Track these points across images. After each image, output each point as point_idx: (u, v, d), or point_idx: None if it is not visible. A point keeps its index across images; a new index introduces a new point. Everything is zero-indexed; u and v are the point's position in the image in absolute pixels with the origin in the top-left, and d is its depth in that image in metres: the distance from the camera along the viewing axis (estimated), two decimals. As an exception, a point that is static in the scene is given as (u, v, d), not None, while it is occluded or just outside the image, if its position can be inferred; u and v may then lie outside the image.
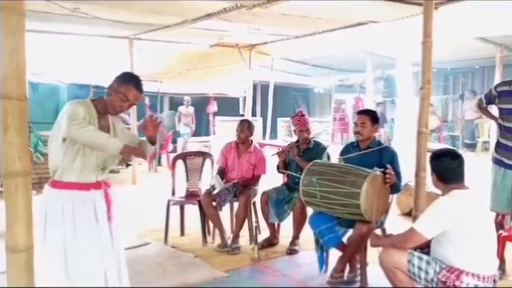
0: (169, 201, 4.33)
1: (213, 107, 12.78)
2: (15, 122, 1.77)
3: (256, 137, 11.76)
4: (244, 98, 9.78)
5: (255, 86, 14.04)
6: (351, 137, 8.40)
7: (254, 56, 9.00)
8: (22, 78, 1.80)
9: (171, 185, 4.52)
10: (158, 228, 4.46)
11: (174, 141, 10.78)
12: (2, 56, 1.77)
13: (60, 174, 2.31)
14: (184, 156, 4.72)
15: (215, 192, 4.10)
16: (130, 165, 8.29)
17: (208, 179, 4.50)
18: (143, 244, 4.19)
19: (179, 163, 4.62)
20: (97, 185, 2.41)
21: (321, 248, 3.48)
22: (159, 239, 4.33)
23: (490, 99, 3.64)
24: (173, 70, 9.07)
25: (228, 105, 12.79)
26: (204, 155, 4.65)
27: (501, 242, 3.12)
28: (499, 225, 3.46)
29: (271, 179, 4.62)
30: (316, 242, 3.49)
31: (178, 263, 3.74)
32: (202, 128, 12.89)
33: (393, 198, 4.77)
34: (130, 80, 2.45)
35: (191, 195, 4.49)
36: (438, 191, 2.71)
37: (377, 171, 3.13)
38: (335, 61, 10.67)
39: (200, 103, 12.96)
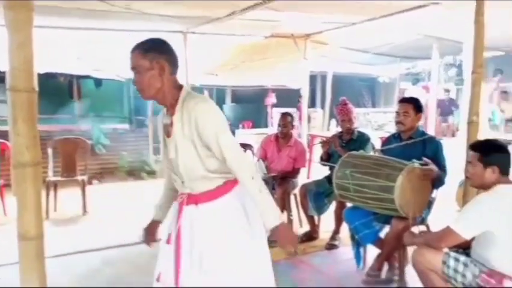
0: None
1: (271, 99, 12.71)
2: (23, 114, 1.83)
3: (315, 129, 11.64)
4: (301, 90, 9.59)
5: (314, 77, 13.79)
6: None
7: (310, 46, 8.79)
8: (30, 71, 1.85)
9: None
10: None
11: (233, 133, 10.91)
12: (10, 50, 1.83)
13: None
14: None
15: None
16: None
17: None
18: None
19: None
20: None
21: (358, 244, 3.31)
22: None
23: None
24: (229, 62, 9.13)
25: (287, 97, 12.67)
26: (245, 146, 4.62)
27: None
28: None
29: (316, 170, 4.48)
30: (352, 237, 3.33)
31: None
32: (261, 120, 12.89)
33: (453, 192, 4.47)
34: None
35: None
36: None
37: (416, 164, 2.88)
38: (399, 48, 10.06)
39: (258, 95, 12.98)
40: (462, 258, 2.33)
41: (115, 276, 3.37)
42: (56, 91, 9.37)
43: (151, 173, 7.91)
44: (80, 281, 3.32)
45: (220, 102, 12.96)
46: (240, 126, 11.73)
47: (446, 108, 10.29)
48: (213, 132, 1.80)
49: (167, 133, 1.94)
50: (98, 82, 9.64)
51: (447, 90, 10.61)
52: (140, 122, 10.24)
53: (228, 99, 13.67)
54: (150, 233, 2.23)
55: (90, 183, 6.19)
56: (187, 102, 1.84)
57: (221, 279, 1.87)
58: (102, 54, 7.69)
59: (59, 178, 5.37)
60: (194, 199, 1.92)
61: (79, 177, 5.27)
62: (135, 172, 7.75)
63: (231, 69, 9.82)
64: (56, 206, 5.34)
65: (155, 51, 1.85)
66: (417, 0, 5.71)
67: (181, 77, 7.20)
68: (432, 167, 2.91)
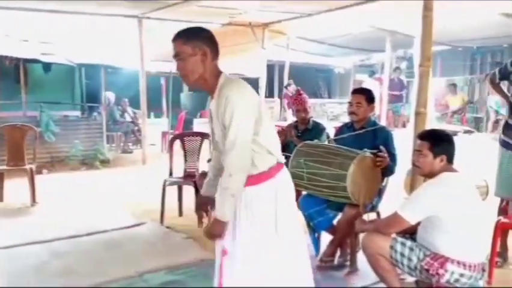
0: (165, 181, 4.31)
1: (229, 88, 12.66)
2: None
3: (273, 119, 11.73)
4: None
5: (272, 66, 13.84)
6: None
7: (268, 35, 8.83)
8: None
9: (168, 166, 4.49)
10: (157, 208, 4.45)
11: (191, 122, 10.77)
12: None
13: None
14: (182, 136, 4.68)
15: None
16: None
17: (206, 159, 4.44)
18: (138, 224, 4.20)
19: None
20: None
21: (313, 231, 3.39)
22: (156, 219, 4.33)
23: (504, 75, 3.35)
24: (186, 50, 8.99)
25: (245, 86, 12.66)
26: (202, 135, 4.59)
27: (499, 229, 2.93)
28: (503, 211, 3.26)
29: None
30: (308, 224, 3.40)
31: (169, 244, 3.74)
32: (219, 109, 12.82)
33: (402, 180, 4.66)
34: None
35: (188, 176, 4.46)
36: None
37: (367, 153, 2.98)
38: (354, 40, 10.31)
39: (217, 84, 12.86)
40: (408, 242, 2.45)
41: (65, 268, 3.26)
42: (1, 75, 8.87)
43: (105, 162, 7.71)
44: (29, 271, 3.20)
45: (177, 90, 12.70)
46: (198, 115, 11.58)
47: (396, 85, 10.69)
48: (229, 119, 1.86)
49: (211, 118, 2.02)
50: (47, 66, 9.21)
51: (397, 68, 10.96)
52: (94, 109, 9.91)
53: (186, 87, 13.46)
54: (200, 208, 2.37)
55: (39, 172, 5.94)
56: (223, 89, 1.90)
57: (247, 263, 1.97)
58: (51, 37, 7.36)
59: (5, 167, 5.13)
60: None
61: (27, 167, 5.04)
62: (88, 161, 7.52)
63: (188, 56, 9.68)
64: (3, 197, 5.12)
65: (197, 38, 1.92)
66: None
67: (136, 62, 7.04)
68: (385, 155, 3.02)
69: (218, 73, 1.97)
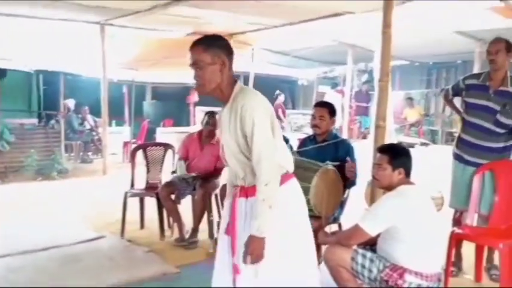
0: (126, 193, 4.21)
1: (193, 97, 12.58)
2: None
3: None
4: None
5: (237, 77, 13.89)
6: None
7: (233, 46, 8.84)
8: None
9: (130, 177, 4.40)
10: (118, 220, 4.34)
11: (153, 132, 10.61)
12: None
13: None
14: (144, 147, 4.60)
15: (172, 180, 4.01)
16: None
17: (169, 171, 4.39)
18: (98, 237, 4.08)
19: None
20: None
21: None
22: (116, 231, 4.22)
23: (457, 91, 3.52)
24: (149, 58, 8.89)
25: (210, 96, 12.63)
26: (166, 146, 4.53)
27: (454, 240, 3.05)
28: (457, 222, 3.40)
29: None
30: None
31: (130, 258, 3.64)
32: (183, 118, 12.71)
33: (363, 192, 4.77)
34: None
35: (150, 188, 4.38)
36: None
37: (329, 165, 3.04)
38: (317, 53, 10.53)
39: (180, 93, 12.77)
40: (369, 254, 2.50)
41: (19, 285, 3.11)
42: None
43: (63, 172, 7.45)
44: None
45: (139, 98, 12.54)
46: (161, 124, 11.43)
47: (364, 97, 10.98)
48: (251, 128, 1.84)
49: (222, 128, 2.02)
50: (2, 72, 8.84)
51: (367, 81, 11.28)
52: (51, 117, 9.57)
53: (148, 95, 13.29)
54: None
55: (-8, 183, 5.67)
56: (237, 98, 1.89)
57: (263, 274, 1.92)
58: (7, 42, 7.06)
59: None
60: (245, 192, 1.99)
61: (-22, 177, 4.80)
62: (44, 171, 7.24)
63: (152, 64, 9.58)
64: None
65: (216, 47, 1.91)
66: (334, 8, 6.03)
67: (97, 70, 6.88)
68: (354, 165, 3.10)
69: (233, 82, 1.97)
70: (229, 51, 1.95)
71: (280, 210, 1.93)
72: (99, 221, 4.63)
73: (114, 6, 5.97)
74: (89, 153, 9.32)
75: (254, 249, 1.86)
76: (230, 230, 2.04)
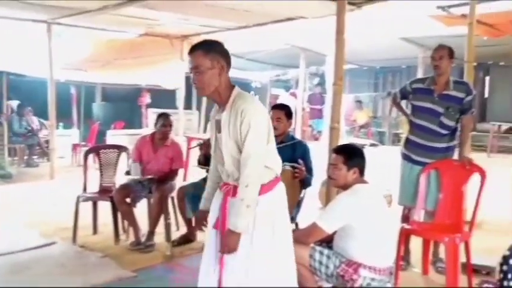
0: (78, 197, 4.08)
1: (145, 99, 12.35)
2: None
3: (191, 131, 11.65)
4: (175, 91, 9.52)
5: (190, 79, 13.79)
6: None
7: (187, 48, 8.79)
8: None
9: (82, 181, 4.26)
10: (69, 226, 4.19)
11: (104, 134, 10.30)
12: None
13: None
14: (98, 149, 4.47)
15: (127, 183, 3.95)
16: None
17: (123, 173, 4.29)
18: (48, 244, 3.91)
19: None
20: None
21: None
22: (68, 237, 4.07)
23: (404, 95, 3.69)
24: (100, 58, 8.62)
25: (163, 98, 12.42)
26: (120, 148, 4.43)
27: (403, 235, 3.22)
28: (405, 218, 3.58)
29: (192, 173, 4.50)
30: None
31: (83, 264, 3.52)
32: (134, 120, 12.43)
33: (316, 191, 4.91)
34: None
35: (104, 191, 4.26)
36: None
37: (286, 166, 3.11)
38: (270, 56, 10.72)
39: (132, 94, 12.48)
40: (326, 251, 2.59)
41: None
42: None
43: (6, 177, 7.06)
44: None
45: (88, 100, 12.12)
46: (112, 126, 11.11)
47: (318, 100, 11.25)
48: (246, 131, 1.95)
49: (219, 129, 2.07)
50: None
51: (319, 84, 11.56)
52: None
53: (98, 97, 12.86)
54: (200, 222, 2.40)
55: None
56: (237, 102, 1.99)
57: (249, 268, 2.06)
58: None
59: None
60: (237, 191, 2.05)
61: None
62: (-15, 176, 6.84)
63: (102, 65, 9.27)
64: None
65: (215, 52, 1.99)
66: (287, 13, 6.16)
67: (44, 70, 6.60)
68: (303, 168, 3.17)
69: (231, 86, 2.06)
70: (227, 56, 2.04)
71: (270, 214, 2.10)
72: (49, 227, 4.44)
73: (62, 5, 5.76)
74: (35, 157, 8.88)
75: (229, 242, 2.01)
76: (219, 226, 2.14)
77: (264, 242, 2.08)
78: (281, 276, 2.15)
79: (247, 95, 2.07)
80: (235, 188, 2.07)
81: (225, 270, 2.09)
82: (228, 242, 2.02)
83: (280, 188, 2.20)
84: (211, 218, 2.25)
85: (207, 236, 2.25)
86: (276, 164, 2.17)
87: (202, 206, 2.37)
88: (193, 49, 2.01)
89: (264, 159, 2.02)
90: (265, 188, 2.08)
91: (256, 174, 2.00)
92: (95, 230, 4.33)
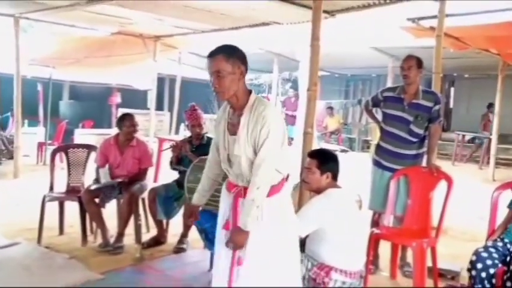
0: (44, 197, 3.95)
1: (116, 99, 12.13)
2: None
3: (162, 132, 11.52)
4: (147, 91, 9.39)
5: (162, 80, 13.66)
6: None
7: (160, 48, 8.70)
8: None
9: (49, 180, 4.14)
10: (33, 226, 4.05)
11: (71, 133, 10.03)
12: None
13: None
14: (66, 148, 4.35)
15: (96, 186, 3.85)
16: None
17: (92, 173, 4.19)
18: (11, 244, 3.77)
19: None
20: None
21: (211, 246, 3.39)
22: (33, 238, 3.93)
23: (376, 103, 3.78)
24: (69, 56, 8.40)
25: (133, 98, 12.25)
26: (89, 148, 4.33)
27: (373, 239, 3.28)
28: (375, 223, 3.66)
29: (164, 174, 4.45)
30: (205, 239, 3.39)
31: (48, 265, 3.41)
32: (104, 119, 12.17)
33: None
34: None
35: (72, 191, 4.15)
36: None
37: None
38: (244, 60, 10.74)
39: (101, 93, 12.24)
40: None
41: None
42: None
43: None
44: None
45: (56, 98, 11.77)
46: (80, 125, 10.84)
47: (293, 106, 11.31)
48: (265, 135, 2.03)
49: (232, 131, 2.13)
50: None
51: (292, 88, 11.63)
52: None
53: (66, 95, 12.53)
54: (190, 215, 2.49)
55: None
56: (257, 107, 2.07)
57: (256, 270, 2.14)
58: None
59: None
60: None
61: None
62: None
63: (71, 63, 9.06)
64: None
65: (236, 57, 2.06)
66: (262, 18, 6.20)
67: (10, 66, 6.38)
68: None
69: (248, 91, 2.13)
70: (245, 62, 2.11)
71: (278, 214, 2.19)
72: (12, 227, 4.27)
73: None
74: (-3, 155, 8.55)
75: (238, 240, 2.10)
76: (230, 227, 2.21)
77: (272, 240, 2.16)
78: (287, 275, 2.25)
79: (266, 101, 2.16)
80: (245, 189, 2.14)
81: (236, 268, 2.16)
82: (237, 240, 2.10)
83: (287, 189, 2.27)
84: (220, 220, 2.32)
85: (217, 236, 2.32)
86: (287, 168, 2.25)
87: (195, 200, 2.44)
88: (214, 53, 2.06)
89: (276, 164, 2.12)
90: (274, 190, 2.15)
91: (268, 177, 2.09)
92: (61, 230, 4.21)
